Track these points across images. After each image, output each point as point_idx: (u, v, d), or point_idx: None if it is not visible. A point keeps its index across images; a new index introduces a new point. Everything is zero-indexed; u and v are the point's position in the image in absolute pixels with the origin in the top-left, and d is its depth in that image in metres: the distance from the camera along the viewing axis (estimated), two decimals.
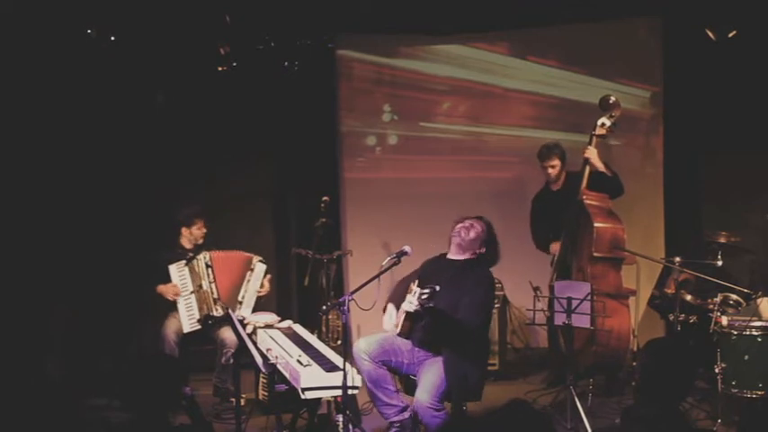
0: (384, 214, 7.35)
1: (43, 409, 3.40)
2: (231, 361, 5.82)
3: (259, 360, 4.64)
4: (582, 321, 5.16)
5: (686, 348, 4.17)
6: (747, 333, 5.18)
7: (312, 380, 4.32)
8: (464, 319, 4.70)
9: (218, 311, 5.96)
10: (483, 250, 4.97)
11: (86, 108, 6.61)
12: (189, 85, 6.95)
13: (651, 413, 3.27)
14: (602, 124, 6.00)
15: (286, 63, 7.23)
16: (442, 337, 4.76)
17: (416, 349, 4.92)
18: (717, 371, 5.18)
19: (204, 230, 6.14)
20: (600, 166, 5.95)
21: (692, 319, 5.69)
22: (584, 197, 5.91)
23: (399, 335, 4.90)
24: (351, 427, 4.37)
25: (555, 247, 6.18)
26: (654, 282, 6.46)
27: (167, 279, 5.98)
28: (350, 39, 7.50)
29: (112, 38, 6.48)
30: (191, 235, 6.13)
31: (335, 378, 4.27)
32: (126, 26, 6.47)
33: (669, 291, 5.94)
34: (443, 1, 7.03)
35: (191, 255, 6.04)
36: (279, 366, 4.63)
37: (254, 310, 6.02)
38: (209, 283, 6.00)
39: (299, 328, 5.46)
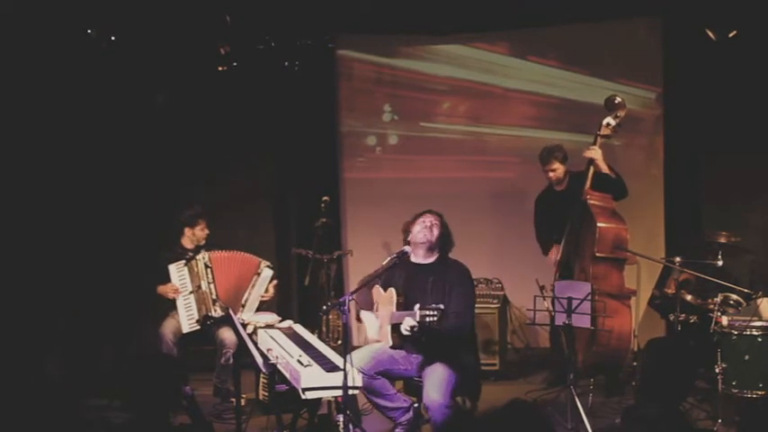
0: (384, 214, 7.34)
1: (43, 409, 3.40)
2: (231, 361, 5.83)
3: (259, 360, 4.63)
4: (582, 321, 5.16)
5: (686, 348, 4.18)
6: (748, 333, 5.18)
7: (312, 380, 4.31)
8: (457, 315, 4.70)
9: (216, 312, 5.95)
10: (441, 244, 4.96)
11: (87, 108, 6.61)
12: (189, 85, 6.95)
13: (652, 413, 3.26)
14: (607, 124, 5.98)
15: (286, 63, 7.24)
16: (439, 343, 4.76)
17: (412, 356, 4.91)
18: (717, 371, 5.18)
19: (207, 231, 6.14)
20: (604, 168, 5.93)
21: (693, 319, 5.69)
22: (588, 197, 5.90)
23: (392, 347, 4.90)
24: (351, 427, 4.37)
25: (553, 253, 6.17)
26: (654, 282, 6.46)
27: (168, 279, 5.98)
28: (350, 39, 7.50)
29: (113, 38, 6.48)
30: (193, 235, 6.12)
31: (336, 378, 4.26)
32: (126, 26, 6.47)
33: (669, 291, 5.93)
34: (443, 1, 7.03)
35: (190, 255, 6.03)
36: (279, 366, 4.63)
37: (255, 310, 6.03)
38: (209, 283, 5.99)
39: (299, 328, 5.46)
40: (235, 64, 6.81)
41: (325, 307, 5.19)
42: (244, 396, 5.25)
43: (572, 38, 7.12)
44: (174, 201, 6.52)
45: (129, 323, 6.60)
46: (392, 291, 4.90)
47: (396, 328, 4.85)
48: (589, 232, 5.84)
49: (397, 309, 4.84)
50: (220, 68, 6.81)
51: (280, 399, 4.95)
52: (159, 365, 3.50)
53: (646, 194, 6.89)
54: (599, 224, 5.79)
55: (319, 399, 4.65)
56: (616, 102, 6.03)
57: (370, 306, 5.11)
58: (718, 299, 5.44)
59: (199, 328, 5.96)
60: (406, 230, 5.07)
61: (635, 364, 5.78)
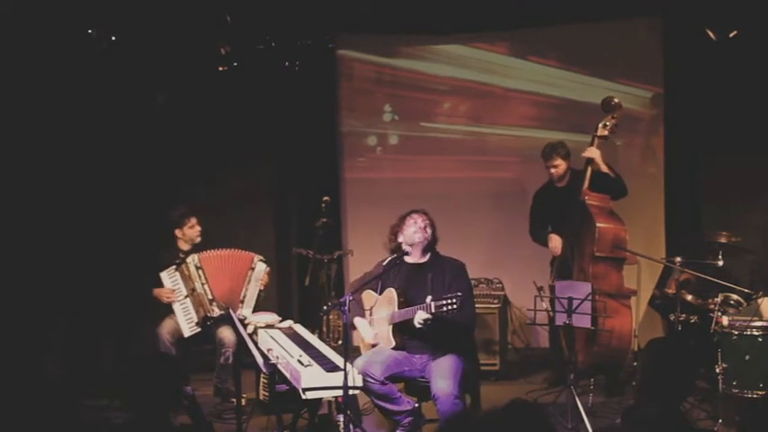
0: (384, 214, 7.28)
1: (43, 409, 3.40)
2: (230, 360, 5.84)
3: (260, 360, 4.63)
4: (583, 321, 5.16)
5: (687, 348, 4.18)
6: (748, 333, 5.18)
7: (313, 380, 4.32)
8: (468, 308, 4.74)
9: (214, 312, 5.96)
10: (432, 241, 5.00)
11: (87, 108, 6.61)
12: (189, 85, 6.94)
13: (652, 413, 3.26)
14: (605, 125, 6.00)
15: (287, 63, 7.23)
16: (449, 335, 4.76)
17: (415, 356, 4.91)
18: (717, 371, 5.18)
19: (199, 228, 6.15)
20: (603, 167, 5.94)
21: (693, 319, 5.69)
22: (586, 197, 5.91)
23: (394, 348, 4.89)
24: (351, 427, 4.37)
25: (555, 241, 6.15)
26: (654, 282, 6.46)
27: (161, 285, 6.02)
28: (350, 39, 7.50)
29: (113, 38, 6.48)
30: (184, 236, 6.14)
31: (336, 378, 4.26)
32: (126, 26, 6.47)
33: (670, 291, 5.93)
34: (444, 1, 7.03)
35: (179, 259, 6.04)
36: (279, 366, 4.63)
37: (255, 308, 6.03)
38: (202, 284, 6.00)
39: (299, 328, 5.46)
40: (235, 64, 6.81)
41: (325, 307, 5.20)
42: (244, 396, 5.25)
43: (572, 38, 7.12)
44: (175, 201, 6.52)
45: (129, 323, 6.60)
46: (392, 291, 4.89)
47: (397, 328, 4.85)
48: (588, 232, 5.85)
49: (399, 308, 4.84)
50: (221, 68, 6.81)
51: (280, 399, 4.95)
52: (160, 365, 3.50)
53: (646, 194, 6.89)
54: (598, 224, 5.79)
55: (320, 399, 4.65)
56: (612, 103, 6.05)
57: (360, 312, 5.09)
58: (719, 299, 5.44)
59: (200, 330, 5.97)
60: (395, 233, 5.03)
61: (635, 364, 5.77)
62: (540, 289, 5.43)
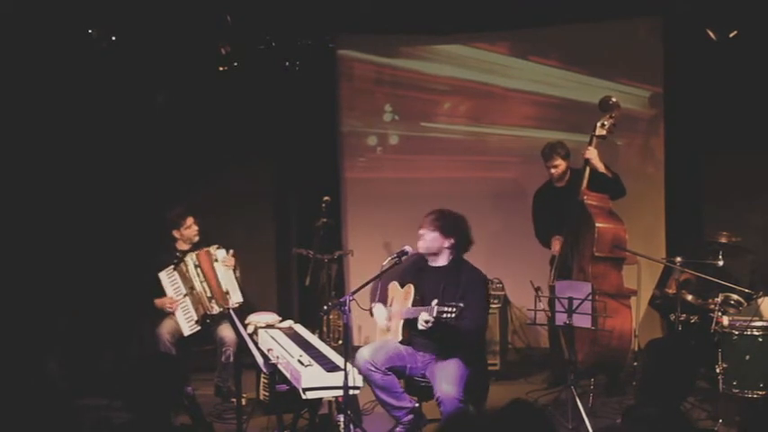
0: (385, 214, 7.35)
1: (43, 409, 3.39)
2: (231, 359, 5.85)
3: (260, 360, 4.64)
4: (583, 321, 5.17)
5: (687, 348, 4.17)
6: (748, 333, 5.18)
7: (313, 380, 4.32)
8: (471, 321, 4.72)
9: (214, 309, 5.98)
10: (452, 240, 4.96)
11: (87, 108, 6.60)
12: (190, 85, 6.94)
13: (652, 413, 3.26)
14: (603, 125, 6.01)
15: (287, 63, 7.23)
16: (452, 343, 4.77)
17: (419, 353, 4.93)
18: (718, 371, 5.18)
19: (196, 228, 6.16)
20: (600, 167, 5.95)
21: (693, 319, 5.69)
22: (585, 197, 5.91)
23: (401, 342, 4.92)
24: (352, 427, 4.37)
25: (556, 244, 6.16)
26: (655, 282, 6.46)
27: (161, 286, 6.03)
28: (351, 39, 7.50)
29: (113, 38, 6.48)
30: (182, 236, 6.15)
31: (336, 378, 4.26)
32: (127, 26, 6.46)
33: (670, 291, 5.94)
34: (444, 1, 7.03)
35: (177, 259, 6.05)
36: (280, 366, 4.63)
37: (251, 306, 6.05)
38: (201, 282, 6.02)
39: (299, 328, 5.46)
40: (235, 64, 6.80)
41: (325, 307, 5.20)
42: (244, 396, 5.26)
43: (572, 38, 7.11)
44: (175, 201, 6.52)
45: (130, 323, 6.60)
46: (411, 287, 4.94)
47: (407, 323, 4.86)
48: (588, 232, 5.85)
49: (413, 305, 4.87)
50: (221, 68, 6.80)
51: (280, 399, 4.95)
52: (160, 365, 3.50)
53: (646, 194, 6.89)
54: (598, 224, 5.79)
55: (320, 399, 4.65)
56: (610, 102, 6.06)
57: (385, 300, 5.14)
58: (719, 299, 5.44)
59: (200, 328, 5.98)
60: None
61: (635, 364, 5.78)
62: (537, 289, 5.43)
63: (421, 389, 4.94)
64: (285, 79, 7.25)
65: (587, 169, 5.96)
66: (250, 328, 5.45)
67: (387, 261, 4.82)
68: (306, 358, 4.57)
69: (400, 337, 4.92)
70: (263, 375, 5.53)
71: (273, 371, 4.68)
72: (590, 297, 5.09)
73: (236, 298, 6.04)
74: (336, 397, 4.56)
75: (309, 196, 7.08)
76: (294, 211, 7.58)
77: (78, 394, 5.74)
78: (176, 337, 5.95)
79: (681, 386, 3.45)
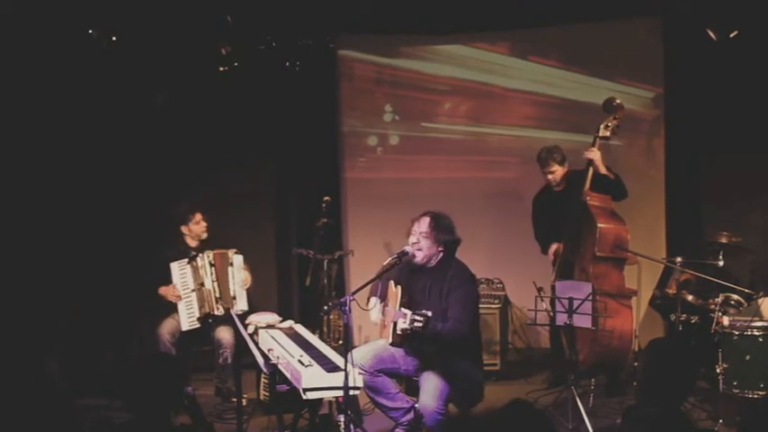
0: (385, 214, 7.34)
1: (43, 409, 3.39)
2: (228, 361, 5.86)
3: (260, 360, 4.64)
4: (583, 321, 5.16)
5: (688, 348, 4.17)
6: (749, 333, 5.18)
7: (313, 380, 4.32)
8: (455, 321, 4.69)
9: (219, 310, 5.98)
10: (445, 245, 4.93)
11: (87, 108, 6.61)
12: (190, 85, 6.94)
13: (653, 413, 3.26)
14: (606, 126, 6.00)
15: (287, 63, 7.23)
16: (437, 348, 4.76)
17: (410, 357, 4.93)
18: (718, 371, 5.18)
19: (204, 224, 6.17)
20: (602, 169, 5.94)
21: (694, 319, 5.69)
22: (588, 198, 5.90)
23: (392, 344, 4.90)
24: (352, 427, 4.37)
25: (552, 250, 6.17)
26: (655, 282, 6.46)
27: (169, 279, 5.99)
28: (351, 39, 7.50)
29: (114, 38, 6.48)
30: (190, 232, 6.16)
31: (337, 378, 4.26)
32: (127, 26, 6.46)
33: (670, 291, 5.93)
34: (444, 1, 7.03)
35: (193, 253, 6.05)
36: (280, 366, 4.63)
37: (251, 306, 6.05)
38: (212, 281, 6.02)
39: (300, 329, 5.46)
40: (236, 64, 6.80)
41: (326, 307, 5.20)
42: (245, 396, 5.26)
43: (572, 38, 7.11)
44: (176, 201, 6.52)
45: (130, 323, 6.60)
46: (399, 289, 4.92)
47: (396, 326, 4.86)
48: (589, 233, 5.85)
49: (400, 307, 4.85)
50: (221, 68, 6.80)
51: (281, 399, 4.95)
52: (160, 366, 3.50)
53: (646, 194, 6.89)
54: (599, 224, 5.79)
55: (320, 399, 4.65)
56: (614, 104, 6.05)
57: (384, 298, 5.13)
58: (720, 299, 5.44)
59: (199, 326, 5.98)
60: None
61: (636, 364, 5.77)
62: (539, 290, 5.43)
63: (419, 389, 4.93)
64: (285, 79, 7.25)
65: (590, 170, 5.95)
66: (250, 329, 5.45)
67: (387, 261, 4.81)
68: (306, 358, 4.57)
69: (391, 340, 4.89)
70: (263, 375, 5.53)
71: (274, 371, 4.68)
72: (590, 297, 5.09)
73: (241, 305, 6.03)
74: (337, 397, 4.56)
75: (309, 196, 7.08)
76: (294, 211, 7.58)
77: (78, 394, 5.74)
78: (176, 337, 5.95)
79: (681, 386, 3.45)
